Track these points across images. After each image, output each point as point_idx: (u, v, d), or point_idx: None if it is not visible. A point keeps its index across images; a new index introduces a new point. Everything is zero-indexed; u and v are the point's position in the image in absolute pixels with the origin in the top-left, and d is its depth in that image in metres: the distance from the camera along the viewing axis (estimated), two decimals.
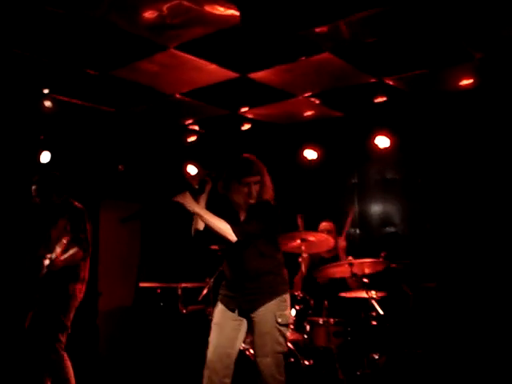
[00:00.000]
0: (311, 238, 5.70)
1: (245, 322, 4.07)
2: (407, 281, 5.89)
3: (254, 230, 3.97)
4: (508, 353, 5.75)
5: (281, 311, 3.97)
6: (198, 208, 3.96)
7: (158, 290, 6.75)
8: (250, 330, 4.07)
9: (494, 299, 6.04)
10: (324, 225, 6.59)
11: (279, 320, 3.93)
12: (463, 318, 6.14)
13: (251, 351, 5.17)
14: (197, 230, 4.18)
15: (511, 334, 5.82)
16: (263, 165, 4.22)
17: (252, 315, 4.00)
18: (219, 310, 4.12)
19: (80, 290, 5.30)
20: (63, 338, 5.16)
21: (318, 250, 6.07)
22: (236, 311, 4.05)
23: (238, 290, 4.07)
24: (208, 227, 3.99)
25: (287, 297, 4.08)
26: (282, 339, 3.96)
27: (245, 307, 4.03)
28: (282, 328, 3.96)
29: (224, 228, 3.89)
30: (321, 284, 6.24)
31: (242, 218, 4.16)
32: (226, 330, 4.03)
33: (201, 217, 3.96)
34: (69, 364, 5.17)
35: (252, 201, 4.10)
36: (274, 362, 3.92)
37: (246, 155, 4.24)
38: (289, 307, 4.09)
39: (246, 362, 4.95)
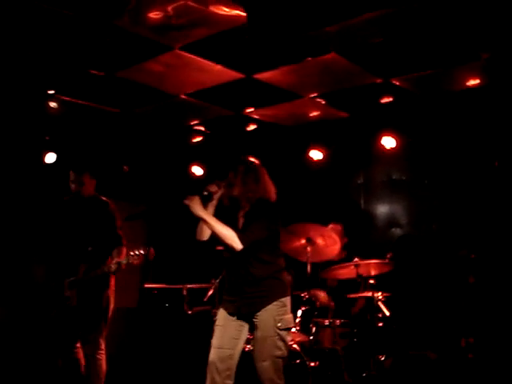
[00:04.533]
0: (319, 241, 5.65)
1: (247, 325, 4.06)
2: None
3: (258, 237, 3.95)
4: None
5: (280, 315, 3.94)
6: (205, 213, 3.96)
7: (155, 291, 6.75)
8: (252, 330, 4.07)
9: (503, 300, 6.01)
10: (332, 227, 6.55)
11: (278, 324, 3.91)
12: (470, 319, 6.11)
13: None
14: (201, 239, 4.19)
15: None
16: (245, 163, 4.18)
17: (252, 319, 4.00)
18: (222, 312, 4.12)
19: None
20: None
21: (322, 257, 5.92)
22: (235, 316, 4.04)
23: (237, 294, 4.06)
24: (213, 234, 3.99)
25: (287, 301, 4.04)
26: (281, 343, 3.94)
27: (243, 311, 4.02)
28: (282, 332, 3.94)
29: (230, 235, 3.89)
30: (330, 286, 6.23)
31: (241, 219, 4.13)
32: (228, 332, 4.03)
33: (206, 222, 3.97)
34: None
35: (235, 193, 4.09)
36: (272, 367, 3.91)
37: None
38: (289, 311, 4.04)
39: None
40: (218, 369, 3.95)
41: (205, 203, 4.03)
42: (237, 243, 3.87)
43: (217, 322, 4.11)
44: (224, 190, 4.12)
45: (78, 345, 5.19)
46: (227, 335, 4.03)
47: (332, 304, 5.73)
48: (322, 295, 5.93)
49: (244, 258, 4.00)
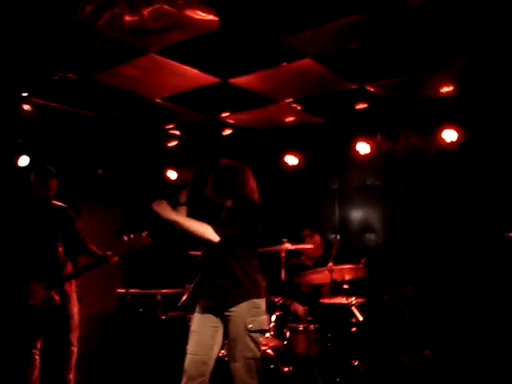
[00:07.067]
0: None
1: (221, 329, 4.05)
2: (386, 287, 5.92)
3: (234, 232, 3.96)
4: (491, 356, 5.76)
5: (252, 317, 3.93)
6: (175, 215, 3.96)
7: (129, 297, 6.72)
8: (226, 332, 4.06)
9: (473, 303, 6.07)
10: (307, 233, 6.60)
11: (249, 326, 3.90)
12: (442, 323, 6.16)
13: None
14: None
15: (493, 336, 5.85)
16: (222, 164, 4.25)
17: (223, 317, 3.99)
18: (196, 317, 4.10)
19: None
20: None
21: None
22: (206, 311, 4.03)
23: (210, 286, 4.05)
24: (188, 233, 3.96)
25: (260, 302, 4.03)
26: (252, 345, 3.93)
27: (214, 304, 4.02)
28: (253, 334, 3.93)
29: (204, 230, 3.88)
30: (304, 292, 6.25)
31: (222, 215, 4.15)
32: (202, 338, 4.02)
33: (178, 223, 3.94)
34: None
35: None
36: (243, 367, 3.91)
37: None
38: (262, 313, 4.02)
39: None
40: (191, 375, 3.95)
41: (178, 193, 4.07)
42: (213, 236, 3.86)
43: (191, 328, 4.09)
44: (193, 174, 4.19)
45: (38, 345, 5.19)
46: (201, 341, 4.01)
47: (308, 318, 5.74)
48: (300, 309, 5.93)
49: (220, 253, 3.99)
